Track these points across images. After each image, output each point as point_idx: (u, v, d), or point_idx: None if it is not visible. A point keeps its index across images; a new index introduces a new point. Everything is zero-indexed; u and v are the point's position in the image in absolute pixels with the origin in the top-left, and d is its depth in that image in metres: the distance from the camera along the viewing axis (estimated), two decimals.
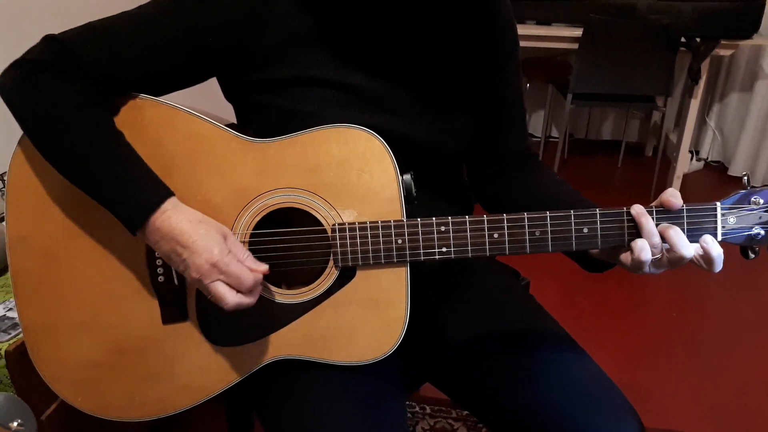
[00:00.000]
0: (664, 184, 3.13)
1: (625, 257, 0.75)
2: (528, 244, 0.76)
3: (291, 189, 0.78)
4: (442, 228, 0.77)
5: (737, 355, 1.96)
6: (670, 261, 0.73)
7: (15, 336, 1.07)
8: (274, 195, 0.79)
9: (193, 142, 0.78)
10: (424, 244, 0.77)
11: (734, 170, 3.41)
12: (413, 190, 0.78)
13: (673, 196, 0.73)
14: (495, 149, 0.96)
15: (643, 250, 0.72)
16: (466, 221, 0.76)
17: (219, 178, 0.78)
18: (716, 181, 3.41)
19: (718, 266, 0.72)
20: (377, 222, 0.77)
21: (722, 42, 2.75)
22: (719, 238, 0.74)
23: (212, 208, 0.78)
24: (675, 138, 3.35)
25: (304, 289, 0.80)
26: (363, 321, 0.80)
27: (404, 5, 0.81)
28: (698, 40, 2.82)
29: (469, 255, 0.77)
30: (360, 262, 0.78)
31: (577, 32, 2.73)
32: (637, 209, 0.74)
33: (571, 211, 0.75)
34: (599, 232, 0.75)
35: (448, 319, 0.96)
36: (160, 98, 0.79)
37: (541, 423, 0.82)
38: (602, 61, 2.72)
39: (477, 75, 0.89)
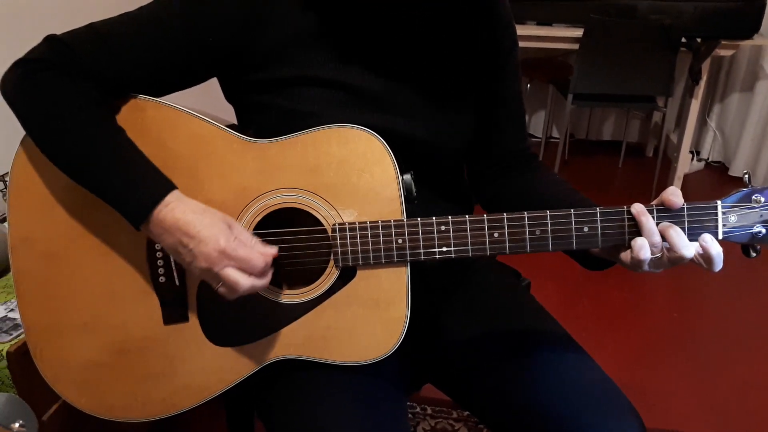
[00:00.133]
0: (665, 185, 3.10)
1: (625, 256, 0.75)
2: (528, 244, 0.76)
3: (291, 189, 0.78)
4: (443, 227, 0.77)
5: (738, 355, 1.96)
6: (670, 260, 0.73)
7: (16, 337, 1.08)
8: (274, 195, 0.79)
9: (194, 142, 0.78)
10: (425, 243, 0.77)
11: (735, 170, 3.41)
12: (413, 190, 0.78)
13: (673, 194, 0.73)
14: (494, 149, 0.96)
15: (643, 248, 0.72)
16: (466, 220, 0.76)
17: (220, 178, 0.79)
18: (717, 182, 3.41)
19: (718, 265, 0.72)
20: (377, 222, 0.77)
21: (723, 42, 2.75)
22: (720, 236, 0.74)
23: (213, 208, 0.78)
24: (676, 138, 3.35)
25: (304, 289, 0.81)
26: (364, 321, 0.80)
27: (404, 5, 0.82)
28: (699, 40, 2.82)
29: (470, 254, 0.77)
30: (360, 262, 0.78)
31: (578, 33, 2.73)
32: (638, 208, 0.74)
33: (572, 210, 0.75)
34: (599, 231, 0.75)
35: (449, 319, 0.96)
36: (161, 99, 0.79)
37: (542, 423, 0.82)
38: (603, 61, 2.72)
39: (476, 75, 0.89)
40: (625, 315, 2.18)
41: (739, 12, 2.68)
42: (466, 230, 0.77)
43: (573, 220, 0.75)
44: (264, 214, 0.79)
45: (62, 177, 0.76)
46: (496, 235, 0.76)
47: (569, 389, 0.83)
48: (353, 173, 0.77)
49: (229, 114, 0.88)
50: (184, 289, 0.81)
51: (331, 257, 0.79)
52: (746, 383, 1.83)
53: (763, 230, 0.74)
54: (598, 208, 0.75)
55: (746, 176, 0.75)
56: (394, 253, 0.77)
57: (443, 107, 0.87)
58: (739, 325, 2.13)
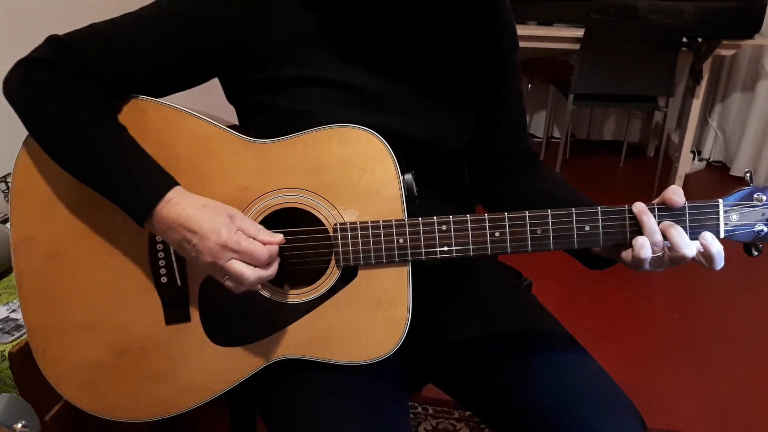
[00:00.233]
0: (666, 184, 3.08)
1: (626, 255, 0.75)
2: (530, 243, 0.76)
3: (292, 189, 0.78)
4: (444, 227, 0.77)
5: (739, 355, 1.96)
6: (671, 259, 0.73)
7: (18, 337, 1.08)
8: (276, 195, 0.79)
9: (195, 143, 0.79)
10: (426, 243, 0.77)
11: (736, 170, 3.40)
12: (414, 190, 0.78)
13: (675, 193, 0.73)
14: (495, 149, 0.96)
15: (644, 247, 0.72)
16: (467, 220, 0.76)
17: (221, 178, 0.79)
18: (718, 181, 3.40)
19: (719, 263, 0.72)
20: (378, 221, 0.77)
21: (724, 42, 2.75)
22: (722, 235, 0.74)
23: None
24: (677, 138, 3.35)
25: (306, 289, 0.81)
26: (365, 321, 0.80)
27: (405, 5, 0.82)
28: (700, 40, 2.82)
29: (471, 254, 0.77)
30: (362, 262, 0.78)
31: (579, 33, 2.73)
32: (639, 206, 0.74)
33: (573, 209, 0.75)
34: (601, 231, 0.75)
35: (450, 319, 0.96)
36: (163, 100, 0.80)
37: (544, 423, 0.82)
38: (603, 61, 2.72)
39: (477, 75, 0.89)
40: (626, 315, 2.17)
41: (740, 12, 2.68)
42: (468, 230, 0.77)
43: (574, 219, 0.75)
44: (265, 214, 0.79)
45: (64, 178, 0.76)
46: (497, 234, 0.76)
47: (570, 389, 0.83)
48: (354, 173, 0.77)
49: (231, 114, 0.88)
50: (185, 290, 0.81)
51: (333, 257, 0.79)
52: (747, 383, 1.82)
53: (765, 228, 0.74)
54: (599, 207, 0.75)
55: (748, 175, 0.75)
56: (396, 252, 0.77)
57: (444, 107, 0.87)
58: (740, 325, 2.13)
